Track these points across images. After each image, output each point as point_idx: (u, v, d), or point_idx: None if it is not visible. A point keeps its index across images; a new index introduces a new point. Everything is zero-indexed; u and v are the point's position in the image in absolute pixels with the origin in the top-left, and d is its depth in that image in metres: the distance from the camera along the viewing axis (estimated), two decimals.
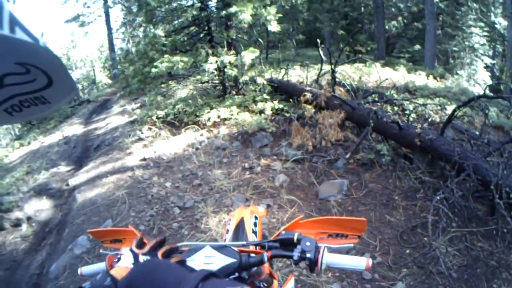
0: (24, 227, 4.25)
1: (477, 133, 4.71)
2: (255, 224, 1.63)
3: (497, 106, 7.47)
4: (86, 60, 20.26)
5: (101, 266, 1.13)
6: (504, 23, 13.21)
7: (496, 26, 13.84)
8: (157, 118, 5.83)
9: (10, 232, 4.21)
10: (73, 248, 3.32)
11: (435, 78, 9.30)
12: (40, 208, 4.68)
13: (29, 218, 4.42)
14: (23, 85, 0.91)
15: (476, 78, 13.31)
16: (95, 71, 19.41)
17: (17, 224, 4.29)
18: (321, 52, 5.77)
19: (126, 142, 5.71)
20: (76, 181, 4.98)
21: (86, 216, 3.89)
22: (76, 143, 7.57)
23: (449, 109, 5.06)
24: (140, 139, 5.70)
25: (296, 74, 7.31)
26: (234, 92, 5.68)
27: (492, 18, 13.77)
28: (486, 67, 13.90)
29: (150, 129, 5.82)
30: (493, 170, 3.16)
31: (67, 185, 5.06)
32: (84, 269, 1.17)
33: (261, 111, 4.94)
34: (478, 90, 10.42)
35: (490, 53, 14.69)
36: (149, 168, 4.65)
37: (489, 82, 13.07)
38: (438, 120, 5.51)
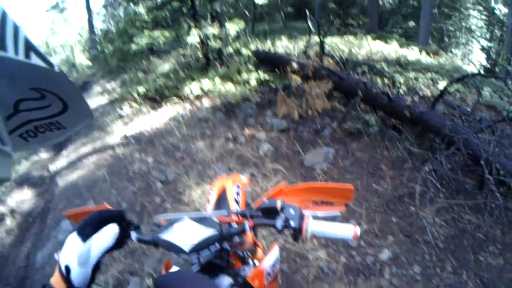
0: (8, 220, 4.21)
1: (469, 110, 4.79)
2: (237, 194, 1.63)
3: (491, 87, 7.56)
4: (66, 45, 19.88)
5: None
6: (504, 10, 13.28)
7: (495, 12, 13.89)
8: (138, 94, 5.79)
9: None
10: (57, 235, 3.33)
11: (428, 54, 9.33)
12: (23, 198, 4.64)
13: (12, 211, 4.37)
14: (38, 110, 0.93)
15: (471, 58, 13.39)
16: (74, 54, 19.06)
17: (0, 219, 4.25)
18: (310, 24, 5.76)
19: (106, 121, 5.68)
20: (57, 166, 4.97)
21: (68, 200, 3.88)
22: None
23: (441, 85, 5.12)
24: (121, 116, 5.67)
25: (283, 45, 7.27)
26: (217, 64, 5.65)
27: (492, 3, 13.80)
28: (482, 49, 13.97)
29: (130, 106, 5.79)
30: (484, 146, 3.21)
31: (48, 171, 5.04)
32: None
33: (246, 82, 4.93)
34: (472, 70, 10.51)
35: (488, 36, 14.75)
36: (130, 145, 4.65)
37: (485, 63, 13.19)
38: (429, 94, 5.56)
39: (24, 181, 5.06)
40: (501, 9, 13.74)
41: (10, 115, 0.90)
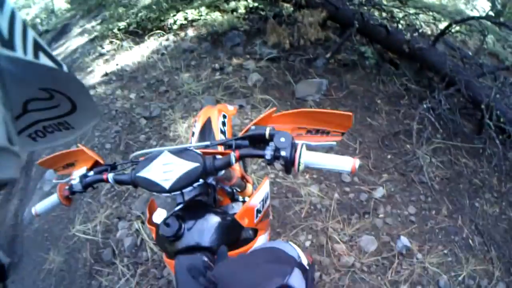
0: None
1: (470, 54, 4.61)
2: (223, 124, 1.54)
3: (494, 35, 7.35)
4: None
5: (53, 198, 1.07)
6: None
7: None
8: (119, 30, 5.44)
9: None
10: (42, 186, 3.24)
11: None
12: None
13: None
14: (47, 110, 0.92)
15: (475, 4, 13.00)
16: (53, 0, 18.24)
17: None
18: None
19: (86, 61, 5.37)
20: None
21: (51, 148, 3.66)
22: None
23: (443, 25, 4.88)
24: (101, 54, 5.36)
25: None
26: None
27: None
28: None
29: (111, 42, 5.46)
30: (486, 91, 3.09)
31: None
32: (38, 208, 1.10)
33: (234, 10, 4.63)
34: (475, 15, 10.18)
35: None
36: (112, 82, 4.41)
37: (488, 10, 12.78)
38: (429, 33, 5.34)
39: None
40: None
41: (19, 115, 0.89)
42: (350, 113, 0.88)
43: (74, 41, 7.55)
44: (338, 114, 0.90)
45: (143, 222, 2.53)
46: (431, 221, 2.54)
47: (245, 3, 4.59)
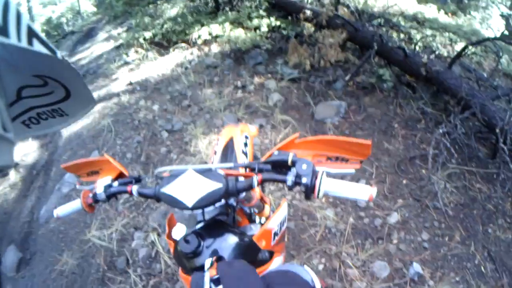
0: (12, 175, 4.09)
1: (486, 75, 4.55)
2: (245, 145, 1.54)
3: (509, 55, 7.23)
4: None
5: (76, 204, 1.05)
6: None
7: None
8: (144, 39, 5.51)
9: None
10: (61, 187, 3.25)
11: (446, 13, 8.87)
12: (26, 151, 4.50)
13: (16, 165, 4.22)
14: (41, 97, 0.92)
15: (490, 23, 12.81)
16: (79, 1, 18.48)
17: (4, 173, 4.11)
18: None
19: (111, 68, 5.46)
20: None
21: (72, 151, 3.77)
22: None
23: (459, 46, 4.84)
24: (126, 63, 5.45)
25: None
26: (227, 9, 5.34)
27: None
28: (502, 15, 13.32)
29: (136, 51, 5.55)
30: (500, 114, 3.04)
31: None
32: (60, 211, 1.08)
33: (256, 28, 4.65)
34: (490, 35, 10.03)
35: (508, 4, 14.01)
36: (136, 92, 4.47)
37: (503, 30, 12.57)
38: (445, 54, 5.30)
39: None
40: None
41: (13, 102, 0.88)
42: (369, 142, 0.89)
43: (99, 46, 7.66)
44: (358, 143, 0.91)
45: (159, 235, 2.55)
46: (444, 247, 2.50)
47: (268, 21, 4.60)
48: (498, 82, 4.58)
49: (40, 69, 0.81)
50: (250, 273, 0.76)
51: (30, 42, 0.68)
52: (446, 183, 2.94)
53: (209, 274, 0.75)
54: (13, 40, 0.64)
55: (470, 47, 3.75)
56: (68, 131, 4.20)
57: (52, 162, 3.94)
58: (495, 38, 3.77)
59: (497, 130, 2.89)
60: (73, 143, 3.90)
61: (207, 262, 0.81)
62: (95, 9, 14.20)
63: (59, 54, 0.76)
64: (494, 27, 12.45)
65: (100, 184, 1.03)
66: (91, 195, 1.03)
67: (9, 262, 2.84)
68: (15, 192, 3.91)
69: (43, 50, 0.72)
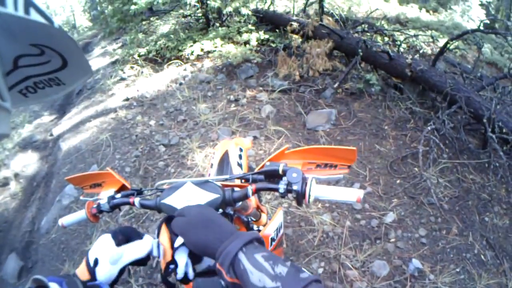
0: (13, 185, 4.09)
1: (470, 67, 4.56)
2: (240, 157, 1.56)
3: (491, 43, 7.26)
4: (65, 6, 19.14)
5: (81, 214, 1.06)
6: None
7: None
8: (139, 56, 5.49)
9: None
10: (61, 199, 3.23)
11: (427, 11, 8.90)
12: (27, 162, 4.49)
13: (16, 175, 4.24)
14: (38, 66, 0.88)
15: (471, 14, 12.80)
16: (75, 15, 18.38)
17: (5, 183, 4.12)
18: None
19: (107, 84, 5.42)
20: (60, 129, 4.76)
21: (72, 164, 3.75)
22: None
23: (441, 42, 4.85)
24: (122, 79, 5.41)
25: (282, 5, 6.85)
26: (217, 25, 5.30)
27: None
28: (481, 5, 13.33)
29: (132, 68, 5.51)
30: (486, 104, 3.08)
31: (51, 135, 4.83)
32: (65, 221, 1.09)
33: (246, 42, 4.64)
34: (472, 26, 10.03)
35: None
36: (132, 107, 4.44)
37: (484, 19, 12.57)
38: (429, 52, 5.31)
39: (27, 144, 4.90)
40: None
41: (10, 71, 0.85)
42: (354, 148, 0.92)
43: (95, 61, 7.60)
44: (344, 149, 0.93)
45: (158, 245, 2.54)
46: (442, 241, 2.50)
47: (257, 35, 4.59)
48: (482, 73, 4.60)
49: (37, 38, 0.79)
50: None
51: (27, 11, 0.66)
52: (439, 178, 2.94)
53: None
54: (9, 9, 0.62)
55: (451, 42, 3.74)
56: (67, 145, 4.18)
57: (52, 174, 3.92)
58: (474, 30, 3.77)
59: (484, 120, 2.92)
60: (72, 157, 3.87)
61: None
62: (90, 24, 14.16)
63: (56, 23, 0.75)
64: (475, 18, 12.50)
65: (104, 195, 1.06)
66: (95, 205, 1.04)
67: (10, 269, 2.85)
68: (16, 202, 3.90)
69: (40, 19, 0.70)
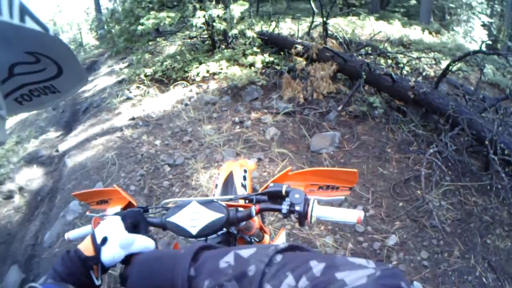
0: (17, 198, 4.15)
1: (472, 88, 4.62)
2: (244, 178, 1.59)
3: (494, 64, 7.34)
4: (73, 24, 19.56)
5: (87, 229, 1.09)
6: None
7: None
8: (145, 76, 5.61)
9: (3, 205, 4.12)
10: (65, 215, 3.26)
11: (430, 33, 9.05)
12: (32, 177, 4.56)
13: (21, 189, 4.30)
14: (33, 74, 0.90)
15: (473, 35, 12.97)
16: (81, 33, 18.76)
17: (9, 196, 4.18)
18: (313, 5, 5.50)
19: (114, 103, 5.51)
20: (66, 146, 4.84)
21: (77, 181, 3.80)
22: (65, 108, 7.33)
23: (444, 64, 4.93)
24: (129, 98, 5.51)
25: (287, 27, 7.02)
26: (223, 46, 5.43)
27: None
28: (483, 25, 13.52)
29: (138, 87, 5.62)
30: (488, 126, 3.10)
31: (57, 151, 4.91)
32: (71, 234, 1.12)
33: (251, 65, 4.74)
34: (474, 47, 10.17)
35: (488, 12, 14.23)
36: (138, 127, 4.52)
37: (486, 40, 12.73)
38: (432, 74, 5.37)
39: (33, 159, 4.97)
40: None
41: (5, 79, 0.86)
42: (356, 170, 0.95)
43: (102, 80, 7.75)
44: (345, 172, 0.97)
45: None
46: (444, 263, 2.48)
47: (262, 57, 4.70)
48: (484, 94, 4.65)
49: (32, 46, 0.79)
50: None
51: (22, 19, 0.67)
52: (441, 201, 2.94)
53: None
54: (5, 17, 0.63)
55: (453, 64, 3.80)
56: (73, 161, 4.24)
57: (57, 190, 3.96)
58: (476, 52, 3.82)
59: (486, 142, 2.93)
60: (77, 173, 3.92)
61: None
62: (97, 43, 14.44)
63: (51, 31, 0.75)
64: (477, 38, 12.66)
65: (111, 212, 1.07)
66: (101, 221, 1.04)
67: (11, 281, 2.85)
68: (19, 215, 3.93)
69: (35, 27, 0.71)
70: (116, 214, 0.84)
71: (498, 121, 3.14)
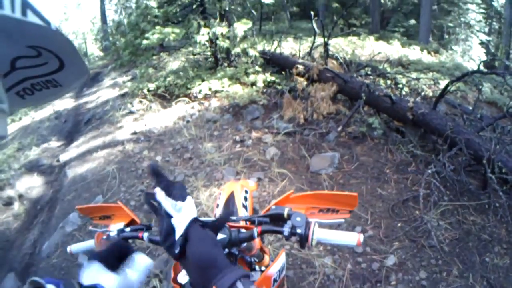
0: (16, 205, 4.17)
1: (470, 108, 4.66)
2: (245, 198, 1.61)
3: (491, 82, 7.40)
4: (78, 33, 19.76)
5: (90, 243, 1.11)
6: (502, 0, 12.95)
7: (493, 3, 13.55)
8: (148, 91, 5.66)
9: (2, 211, 4.14)
10: (65, 226, 3.27)
11: (429, 53, 9.16)
12: (32, 185, 4.57)
13: (20, 196, 4.32)
14: (35, 68, 0.90)
15: (471, 54, 13.14)
16: (86, 43, 18.96)
17: (8, 202, 4.20)
18: (315, 25, 5.58)
19: (116, 116, 5.56)
20: (67, 156, 4.86)
21: (77, 192, 3.81)
22: (67, 118, 7.39)
23: (443, 83, 4.98)
24: (131, 112, 5.55)
25: (289, 47, 7.12)
26: (226, 64, 5.51)
27: None
28: (481, 43, 13.70)
29: (140, 102, 5.67)
30: (486, 145, 3.12)
31: (58, 161, 4.93)
32: (73, 247, 1.14)
33: (253, 84, 4.80)
34: (472, 66, 10.29)
35: (486, 30, 14.43)
36: (140, 142, 4.55)
37: (484, 58, 12.86)
38: (431, 94, 5.42)
39: (34, 167, 4.99)
40: (498, 0, 13.40)
41: (7, 73, 0.87)
42: (356, 194, 0.97)
43: (105, 92, 7.81)
44: (346, 195, 0.99)
45: (160, 281, 2.54)
46: (443, 283, 2.47)
47: (263, 77, 4.76)
48: (482, 113, 4.68)
49: (34, 40, 0.79)
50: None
51: (24, 13, 0.67)
52: (439, 221, 2.94)
53: None
54: (7, 11, 0.63)
55: (451, 84, 3.84)
56: (73, 172, 4.26)
57: (57, 200, 3.96)
58: (473, 72, 3.86)
59: (484, 161, 2.94)
60: (78, 185, 3.93)
61: None
62: (101, 54, 14.59)
63: (53, 25, 0.75)
64: (475, 57, 12.80)
65: (114, 228, 1.09)
66: (104, 237, 1.07)
67: None
68: (18, 222, 3.93)
69: (37, 20, 0.70)
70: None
71: (496, 139, 3.16)
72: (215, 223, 0.83)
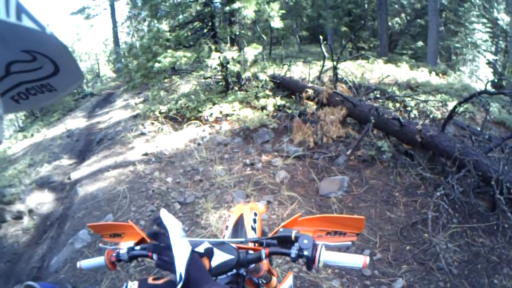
0: (26, 219, 4.23)
1: (479, 129, 4.67)
2: (254, 221, 1.63)
3: (499, 102, 7.40)
4: (91, 53, 20.20)
5: (100, 260, 1.12)
6: (507, 19, 13.05)
7: (498, 22, 13.65)
8: (160, 113, 5.79)
9: (12, 224, 4.20)
10: (74, 242, 3.30)
11: (437, 74, 9.22)
12: (42, 201, 4.65)
13: (30, 211, 4.39)
14: (30, 72, 0.90)
15: (478, 74, 13.14)
16: (99, 64, 19.37)
17: (18, 216, 4.27)
18: (324, 49, 5.70)
19: (128, 137, 5.67)
20: (78, 174, 4.94)
21: (87, 210, 3.87)
22: (79, 137, 7.55)
23: (451, 105, 5.01)
24: (142, 133, 5.66)
25: (298, 71, 7.24)
26: (236, 88, 5.63)
27: (495, 14, 13.58)
28: (489, 63, 13.71)
29: (152, 124, 5.79)
30: (494, 166, 3.12)
31: (69, 178, 5.02)
32: (83, 263, 1.16)
33: (263, 107, 4.90)
34: (480, 86, 10.28)
35: (493, 49, 14.47)
36: (151, 163, 4.63)
37: (492, 78, 12.87)
38: (439, 116, 5.45)
39: (44, 183, 5.07)
40: (503, 18, 13.48)
41: (2, 78, 0.88)
42: (363, 217, 0.99)
43: (117, 113, 7.98)
44: (352, 218, 1.01)
45: None
46: None
47: (273, 101, 4.85)
48: (490, 134, 4.67)
49: (29, 44, 0.79)
50: None
51: (18, 17, 0.67)
52: (448, 243, 2.91)
53: None
54: (1, 15, 0.63)
55: (459, 106, 3.86)
56: (84, 190, 4.32)
57: (67, 217, 4.00)
58: (480, 93, 3.86)
59: (493, 182, 2.93)
60: (88, 203, 3.98)
61: None
62: (114, 75, 14.94)
63: (48, 29, 0.75)
64: (483, 77, 12.80)
65: (124, 246, 1.11)
66: (114, 254, 1.09)
67: None
68: (27, 237, 3.97)
69: (32, 25, 0.70)
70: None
71: (504, 160, 3.15)
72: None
